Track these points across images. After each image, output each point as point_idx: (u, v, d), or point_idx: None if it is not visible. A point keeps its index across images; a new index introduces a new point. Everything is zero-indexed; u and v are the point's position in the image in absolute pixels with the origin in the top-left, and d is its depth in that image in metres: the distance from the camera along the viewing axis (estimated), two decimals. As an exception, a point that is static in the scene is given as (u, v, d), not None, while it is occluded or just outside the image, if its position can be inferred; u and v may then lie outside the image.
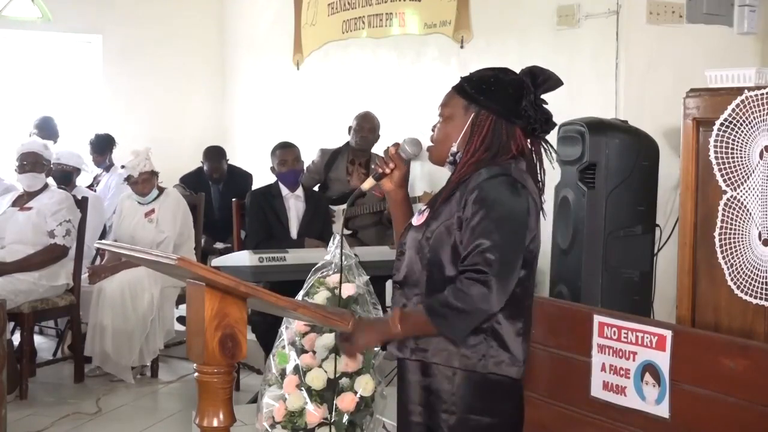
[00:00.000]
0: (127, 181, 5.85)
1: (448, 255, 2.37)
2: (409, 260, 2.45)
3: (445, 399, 2.39)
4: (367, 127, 6.19)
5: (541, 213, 2.46)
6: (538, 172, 2.49)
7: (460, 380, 2.38)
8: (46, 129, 7.51)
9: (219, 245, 6.73)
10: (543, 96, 2.47)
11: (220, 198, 7.01)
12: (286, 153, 5.50)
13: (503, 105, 2.43)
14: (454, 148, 2.46)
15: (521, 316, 2.43)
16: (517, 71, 2.50)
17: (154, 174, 5.82)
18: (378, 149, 6.26)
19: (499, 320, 2.37)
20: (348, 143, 6.29)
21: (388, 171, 2.58)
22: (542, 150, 2.50)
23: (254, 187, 6.47)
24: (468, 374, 2.37)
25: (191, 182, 7.06)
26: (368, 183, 2.62)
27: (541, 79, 2.45)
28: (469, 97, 2.45)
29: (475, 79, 2.47)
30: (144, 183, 5.76)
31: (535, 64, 2.51)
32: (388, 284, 5.51)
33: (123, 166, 5.88)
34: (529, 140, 2.48)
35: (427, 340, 2.38)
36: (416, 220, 2.49)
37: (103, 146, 7.43)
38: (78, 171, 6.62)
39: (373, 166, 2.60)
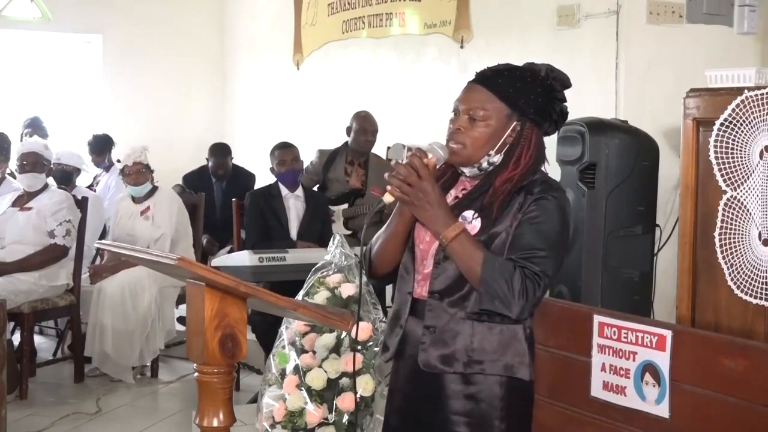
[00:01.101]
0: (121, 173, 5.88)
1: None
2: (456, 271, 2.33)
3: (497, 405, 2.36)
4: (371, 129, 6.15)
5: None
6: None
7: (510, 385, 2.37)
8: (38, 128, 7.52)
9: (221, 252, 6.69)
10: None
11: (222, 197, 7.02)
12: (284, 153, 5.51)
13: (544, 117, 2.40)
14: (492, 157, 2.37)
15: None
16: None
17: (148, 168, 5.83)
18: (375, 150, 6.26)
19: (531, 326, 2.42)
20: (346, 143, 6.27)
21: (390, 199, 2.34)
22: None
23: (255, 187, 6.48)
24: (513, 380, 2.38)
25: (194, 180, 7.07)
26: (389, 196, 2.33)
27: (562, 85, 2.43)
28: (518, 108, 2.36)
29: (519, 86, 2.37)
30: (137, 174, 5.78)
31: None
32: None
33: (118, 160, 5.93)
34: None
35: (481, 352, 2.34)
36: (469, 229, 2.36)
37: (101, 147, 7.44)
38: (78, 171, 6.63)
39: (388, 175, 2.33)
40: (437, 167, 2.36)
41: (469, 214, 2.37)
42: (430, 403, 2.41)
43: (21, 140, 7.10)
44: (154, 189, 5.91)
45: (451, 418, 2.38)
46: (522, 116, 2.37)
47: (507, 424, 2.37)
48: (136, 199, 5.87)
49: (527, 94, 2.37)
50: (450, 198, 2.44)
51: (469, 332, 2.34)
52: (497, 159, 2.37)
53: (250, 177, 7.25)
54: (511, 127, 2.36)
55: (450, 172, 2.46)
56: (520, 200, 2.33)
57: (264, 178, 6.10)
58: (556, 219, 2.32)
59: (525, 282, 2.24)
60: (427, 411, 2.42)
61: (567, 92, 2.47)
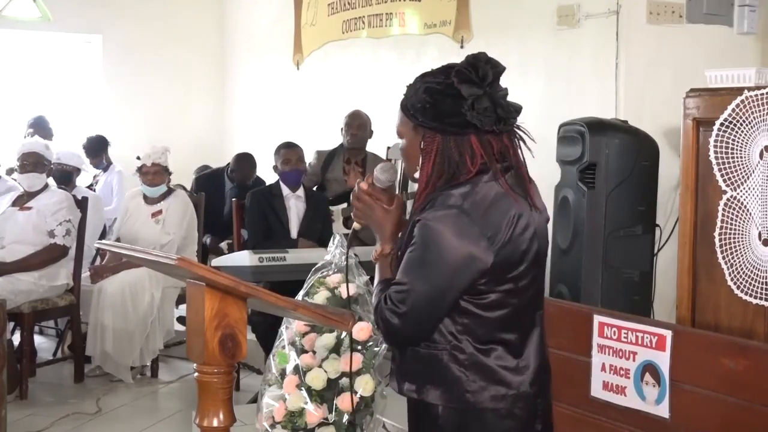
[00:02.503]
0: (139, 171, 5.84)
1: None
2: None
3: (432, 422, 2.28)
4: (355, 124, 6.18)
5: (535, 217, 2.25)
6: (512, 167, 2.24)
7: (449, 409, 2.26)
8: (42, 128, 7.50)
9: (224, 245, 6.68)
10: (498, 86, 2.22)
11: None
12: (290, 152, 5.52)
13: (443, 121, 2.21)
14: (417, 173, 2.28)
15: (512, 336, 2.27)
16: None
17: (166, 170, 5.82)
18: (372, 146, 6.27)
19: (479, 349, 2.23)
20: (342, 144, 6.29)
21: (358, 226, 2.43)
22: (514, 140, 2.25)
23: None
24: (451, 406, 2.26)
25: (205, 182, 7.00)
26: (359, 224, 2.43)
27: (476, 73, 2.19)
28: (412, 117, 2.26)
29: (410, 95, 2.27)
30: (155, 174, 5.76)
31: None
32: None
33: (138, 157, 5.88)
34: (497, 136, 2.22)
35: (413, 374, 2.28)
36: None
37: (96, 148, 7.43)
38: (78, 171, 6.63)
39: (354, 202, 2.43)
40: (385, 188, 2.38)
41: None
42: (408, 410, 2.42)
43: (25, 138, 7.10)
44: (169, 191, 5.89)
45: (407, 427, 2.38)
46: (420, 126, 2.25)
47: None
48: (148, 200, 5.84)
49: (415, 99, 2.26)
50: None
51: (404, 354, 2.31)
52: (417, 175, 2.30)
53: (261, 183, 7.16)
54: (420, 140, 2.26)
55: None
56: (413, 222, 2.23)
57: (264, 177, 6.10)
58: (424, 246, 2.17)
59: (380, 313, 2.21)
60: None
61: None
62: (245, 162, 7.04)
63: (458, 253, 2.16)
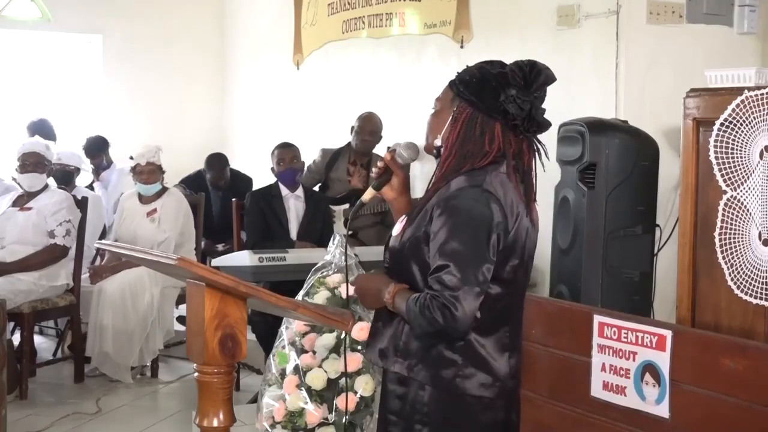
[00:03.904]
0: (132, 170, 5.85)
1: (419, 268, 2.31)
2: (389, 273, 2.41)
3: (419, 409, 2.33)
4: (367, 129, 6.18)
5: (528, 221, 2.34)
6: (523, 173, 2.34)
7: (437, 392, 2.31)
8: (41, 132, 7.44)
9: (219, 246, 6.69)
10: (542, 95, 2.35)
11: (220, 203, 6.93)
12: (284, 152, 5.52)
13: (480, 97, 2.32)
14: (438, 141, 2.39)
15: (504, 330, 2.35)
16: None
17: (160, 169, 5.83)
18: (380, 150, 6.26)
19: (475, 338, 2.30)
20: (349, 143, 6.28)
21: (390, 169, 2.51)
22: (531, 150, 2.36)
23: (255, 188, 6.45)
24: (441, 388, 2.31)
25: (191, 184, 7.02)
26: (368, 194, 2.52)
27: (530, 74, 2.33)
28: (454, 87, 2.39)
29: (463, 72, 2.40)
30: (150, 173, 5.78)
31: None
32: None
33: (131, 157, 5.90)
34: (518, 138, 2.34)
35: (406, 352, 2.33)
36: (396, 230, 2.42)
37: (94, 149, 7.41)
38: (78, 171, 6.63)
39: (372, 174, 2.56)
40: (404, 165, 2.51)
41: (404, 216, 2.44)
42: (383, 397, 2.48)
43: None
44: (163, 190, 5.89)
45: (387, 416, 2.43)
46: (458, 96, 2.37)
47: (431, 429, 2.32)
48: (143, 199, 5.86)
49: (464, 74, 2.38)
50: None
51: (399, 331, 2.36)
52: (440, 143, 2.39)
53: (247, 181, 7.15)
54: (453, 110, 2.37)
55: None
56: (432, 204, 2.30)
57: (264, 177, 6.09)
58: (457, 227, 2.23)
59: (437, 306, 2.19)
60: (381, 404, 2.49)
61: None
62: (215, 161, 7.07)
63: (484, 216, 2.24)
